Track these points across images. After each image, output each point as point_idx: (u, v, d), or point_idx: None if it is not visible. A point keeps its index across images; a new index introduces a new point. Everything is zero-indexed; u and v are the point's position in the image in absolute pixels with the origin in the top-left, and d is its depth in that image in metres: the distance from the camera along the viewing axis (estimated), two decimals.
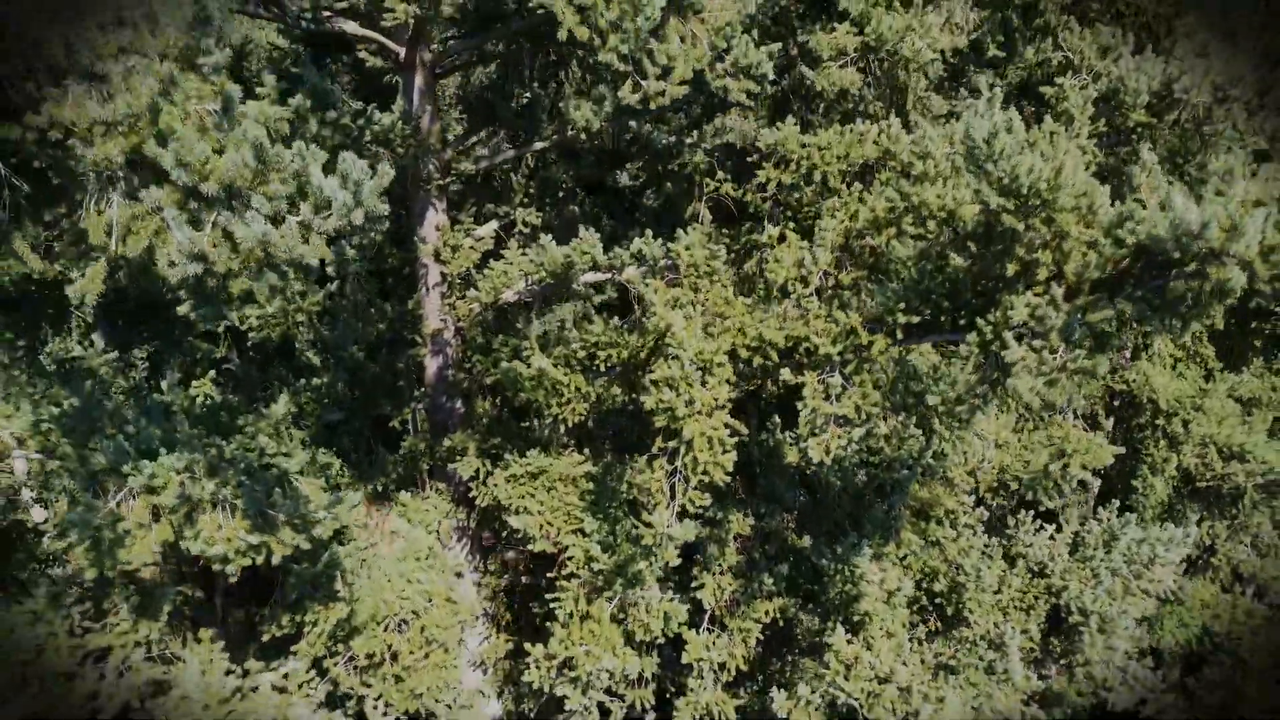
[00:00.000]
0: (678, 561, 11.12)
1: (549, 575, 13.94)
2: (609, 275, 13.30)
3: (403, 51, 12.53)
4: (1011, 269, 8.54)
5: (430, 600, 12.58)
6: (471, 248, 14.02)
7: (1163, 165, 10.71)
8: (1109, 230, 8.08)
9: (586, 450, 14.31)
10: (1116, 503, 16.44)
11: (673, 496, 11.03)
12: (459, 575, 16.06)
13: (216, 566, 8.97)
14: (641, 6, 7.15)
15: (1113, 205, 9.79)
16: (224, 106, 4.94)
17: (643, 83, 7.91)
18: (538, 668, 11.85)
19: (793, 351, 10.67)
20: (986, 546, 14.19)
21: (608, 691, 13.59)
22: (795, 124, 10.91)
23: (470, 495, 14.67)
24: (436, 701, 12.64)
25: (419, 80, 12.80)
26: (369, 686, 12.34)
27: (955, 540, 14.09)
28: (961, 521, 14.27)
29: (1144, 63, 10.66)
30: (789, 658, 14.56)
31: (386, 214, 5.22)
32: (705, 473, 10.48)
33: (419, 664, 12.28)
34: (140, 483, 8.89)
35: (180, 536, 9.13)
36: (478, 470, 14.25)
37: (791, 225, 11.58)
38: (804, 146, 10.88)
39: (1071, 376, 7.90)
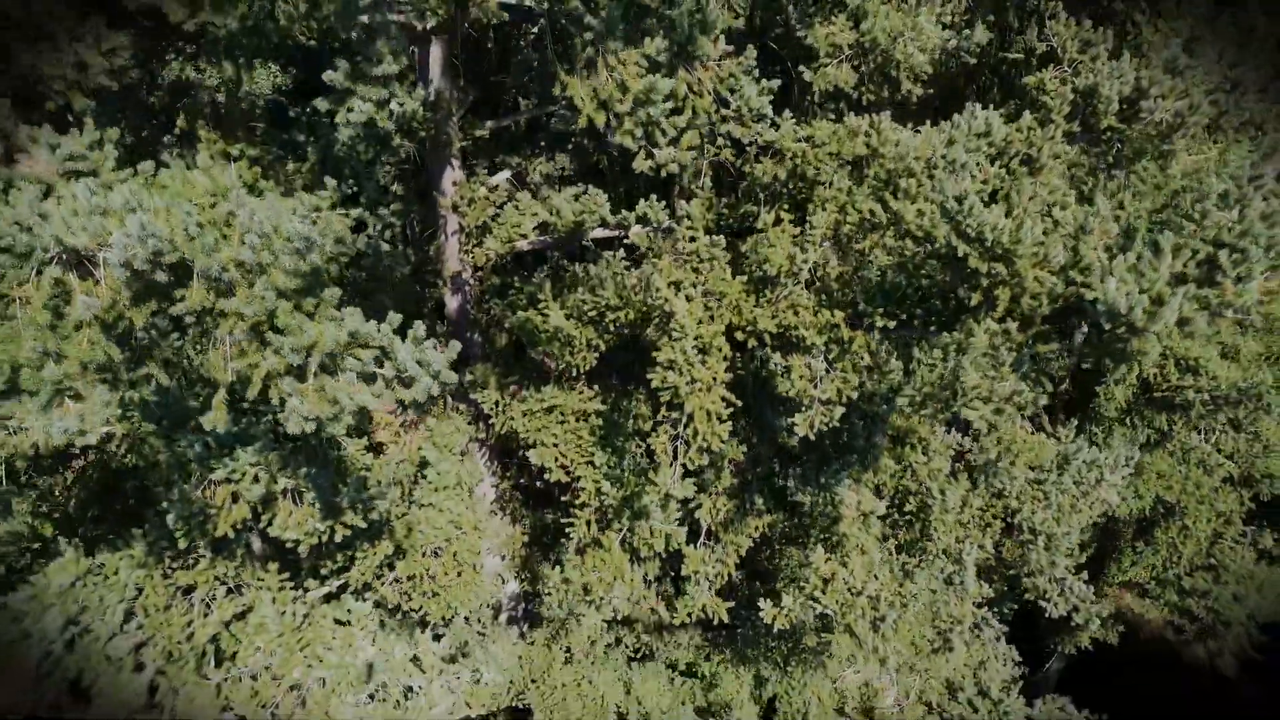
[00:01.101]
0: (679, 514, 12.76)
1: (563, 498, 15.71)
2: (617, 233, 14.37)
3: (420, 25, 13.07)
4: (975, 299, 9.73)
5: (460, 529, 14.34)
6: (486, 197, 14.97)
7: (1130, 165, 11.62)
8: (1060, 272, 9.24)
9: (595, 386, 15.78)
10: (1075, 421, 18.16)
11: (675, 457, 12.61)
12: (479, 481, 17.90)
13: (289, 544, 10.62)
14: (653, 99, 8.02)
15: (1079, 204, 10.94)
16: (313, 289, 6.13)
17: (655, 151, 8.86)
18: (557, 591, 13.75)
19: (783, 335, 11.96)
20: (954, 470, 15.90)
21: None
22: (792, 120, 11.73)
23: (489, 419, 16.24)
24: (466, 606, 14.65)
25: (437, 51, 13.39)
26: (410, 598, 14.31)
27: (926, 464, 15.77)
28: (933, 447, 15.91)
29: (1118, 68, 11.41)
30: (775, 570, 16.58)
31: (456, 380, 6.45)
32: (705, 441, 12.02)
33: (452, 582, 14.18)
34: (222, 475, 10.42)
35: (257, 516, 10.75)
36: (496, 402, 15.76)
37: (786, 207, 12.56)
38: (798, 141, 11.75)
39: (1015, 406, 9.29)
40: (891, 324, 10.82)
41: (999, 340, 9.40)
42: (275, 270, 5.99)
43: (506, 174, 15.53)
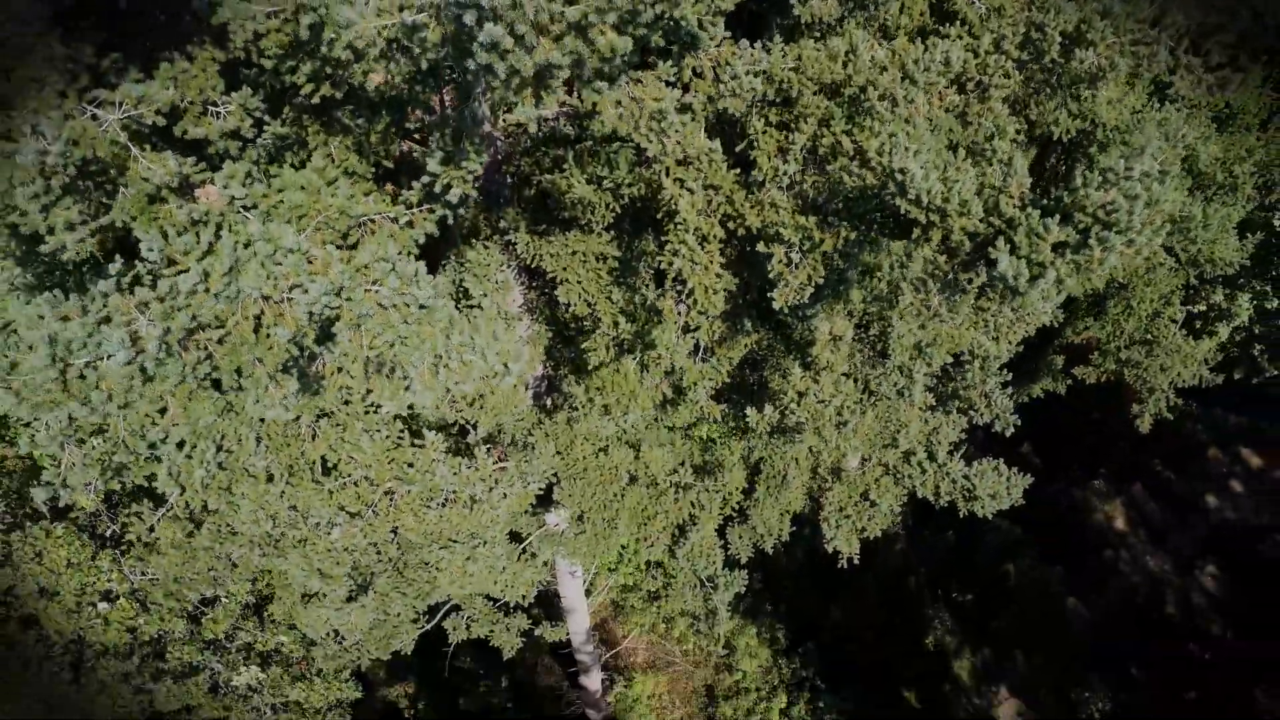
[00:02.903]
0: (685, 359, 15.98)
1: (584, 324, 18.91)
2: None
3: None
4: (915, 233, 12.31)
5: (505, 365, 17.61)
6: None
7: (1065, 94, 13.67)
8: (982, 220, 11.81)
9: (612, 230, 18.40)
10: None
11: (680, 317, 15.65)
12: (509, 291, 21.00)
13: None
14: (666, 113, 10.19)
15: (1017, 115, 13.22)
16: (419, 306, 8.92)
17: (664, 142, 11.09)
18: (582, 407, 17.27)
19: (766, 230, 14.56)
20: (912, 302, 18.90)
21: None
22: (781, 46, 13.64)
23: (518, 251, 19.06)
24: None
25: None
26: (461, 412, 17.91)
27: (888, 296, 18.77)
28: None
29: (1063, 6, 13.17)
30: (762, 361, 20.07)
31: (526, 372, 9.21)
32: (703, 308, 15.03)
33: (499, 400, 17.71)
34: (330, 359, 13.55)
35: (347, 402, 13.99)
36: (527, 244, 18.48)
37: (773, 111, 14.71)
38: (785, 69, 13.74)
39: (939, 323, 12.20)
40: (853, 235, 13.46)
41: (930, 269, 12.11)
42: (402, 307, 8.79)
43: None
